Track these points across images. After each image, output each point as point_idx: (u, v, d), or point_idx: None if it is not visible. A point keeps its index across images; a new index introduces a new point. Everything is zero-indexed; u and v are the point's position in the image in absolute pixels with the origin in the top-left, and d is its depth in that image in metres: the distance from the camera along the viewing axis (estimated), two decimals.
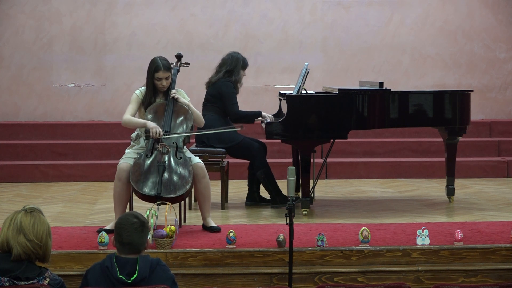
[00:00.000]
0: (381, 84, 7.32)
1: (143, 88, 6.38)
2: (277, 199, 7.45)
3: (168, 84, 6.32)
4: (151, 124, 6.16)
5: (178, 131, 6.27)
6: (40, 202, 7.91)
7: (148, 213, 5.66)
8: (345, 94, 7.11)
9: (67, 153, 9.84)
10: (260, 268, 5.63)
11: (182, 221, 6.59)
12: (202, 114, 7.35)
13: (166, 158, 6.12)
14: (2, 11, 10.60)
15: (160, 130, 6.14)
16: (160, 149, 6.14)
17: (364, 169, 9.66)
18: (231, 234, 5.71)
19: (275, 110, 8.11)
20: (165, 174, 6.06)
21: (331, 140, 7.38)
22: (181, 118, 6.32)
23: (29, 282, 4.04)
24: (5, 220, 4.15)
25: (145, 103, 6.33)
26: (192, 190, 6.53)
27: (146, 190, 6.02)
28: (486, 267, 5.73)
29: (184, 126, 6.31)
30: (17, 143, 9.96)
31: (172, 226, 5.68)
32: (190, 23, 10.79)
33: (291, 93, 7.32)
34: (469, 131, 7.84)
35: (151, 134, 6.13)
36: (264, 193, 7.63)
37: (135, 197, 6.37)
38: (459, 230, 5.89)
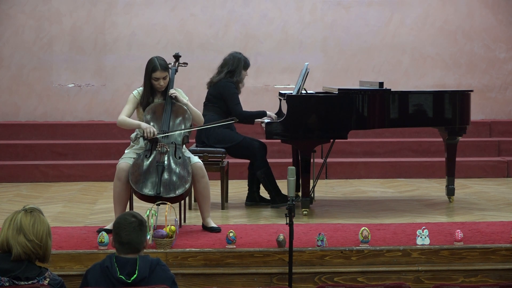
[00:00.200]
0: (381, 84, 7.32)
1: (140, 88, 6.39)
2: (277, 199, 7.45)
3: (165, 84, 6.32)
4: (145, 125, 6.17)
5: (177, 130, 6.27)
6: (40, 202, 7.91)
7: (148, 213, 5.66)
8: (345, 94, 7.11)
9: (67, 153, 9.84)
10: (260, 268, 5.63)
11: (182, 221, 6.59)
12: (203, 114, 7.36)
13: (165, 158, 6.12)
14: (2, 11, 10.60)
15: (154, 130, 6.15)
16: (159, 149, 6.14)
17: (364, 169, 9.66)
18: (231, 234, 5.71)
19: (275, 110, 8.11)
20: (164, 174, 6.06)
21: (331, 140, 7.38)
22: (179, 118, 6.32)
23: (29, 282, 4.04)
24: (5, 220, 4.16)
25: (143, 104, 6.34)
26: (192, 190, 6.52)
27: (146, 190, 6.03)
28: (486, 267, 5.73)
29: (183, 126, 6.31)
30: (17, 143, 9.96)
31: (172, 226, 5.68)
32: (190, 23, 10.79)
33: (291, 93, 7.32)
34: (469, 131, 7.84)
35: (145, 134, 6.14)
36: (264, 193, 7.63)
37: (135, 197, 6.37)
38: (459, 230, 5.89)
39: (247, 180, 7.68)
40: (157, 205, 5.90)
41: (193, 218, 6.84)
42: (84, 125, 10.39)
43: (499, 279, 5.66)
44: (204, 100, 7.55)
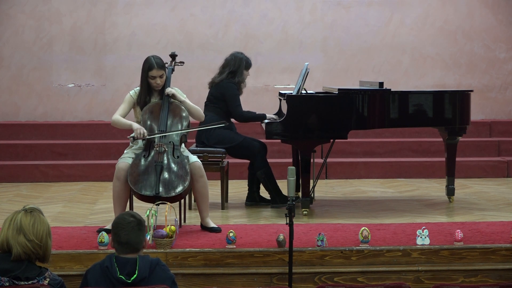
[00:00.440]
0: (381, 84, 7.32)
1: (137, 88, 6.40)
2: (277, 199, 7.45)
3: (162, 82, 6.33)
4: (136, 126, 6.18)
5: (174, 130, 6.27)
6: (40, 202, 7.91)
7: (148, 213, 5.66)
8: (345, 94, 7.11)
9: (67, 153, 9.84)
10: (260, 268, 5.63)
11: (182, 221, 6.59)
12: (204, 114, 7.36)
13: (163, 158, 6.12)
14: (2, 11, 10.60)
15: (145, 131, 6.16)
16: (157, 149, 6.14)
17: (364, 169, 9.66)
18: (231, 234, 5.71)
19: (275, 110, 8.11)
20: (163, 174, 6.06)
21: (331, 140, 7.38)
22: (177, 117, 6.32)
23: (29, 282, 4.04)
24: (5, 220, 4.16)
25: (140, 103, 6.35)
26: (191, 189, 6.53)
27: (144, 190, 6.03)
28: (486, 267, 5.73)
29: (179, 125, 6.31)
30: (17, 143, 9.96)
31: (172, 226, 5.68)
32: (190, 23, 10.79)
33: (291, 93, 7.32)
34: (469, 131, 7.84)
35: (135, 135, 6.16)
36: (264, 193, 7.63)
37: (134, 197, 6.36)
38: (459, 230, 5.89)
39: (247, 180, 7.68)
40: (156, 205, 5.89)
41: (193, 218, 6.84)
42: (84, 125, 10.39)
43: (499, 279, 5.66)
44: (204, 100, 7.55)
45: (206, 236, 6.08)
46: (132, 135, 6.39)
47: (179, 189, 6.05)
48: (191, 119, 6.40)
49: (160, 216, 6.33)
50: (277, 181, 7.49)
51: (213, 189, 7.84)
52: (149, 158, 6.14)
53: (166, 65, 6.46)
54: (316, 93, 7.52)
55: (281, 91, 8.09)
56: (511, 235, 5.93)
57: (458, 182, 8.22)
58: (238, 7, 10.82)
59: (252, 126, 8.90)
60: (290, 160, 8.40)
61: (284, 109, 7.36)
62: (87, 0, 10.68)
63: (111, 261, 4.20)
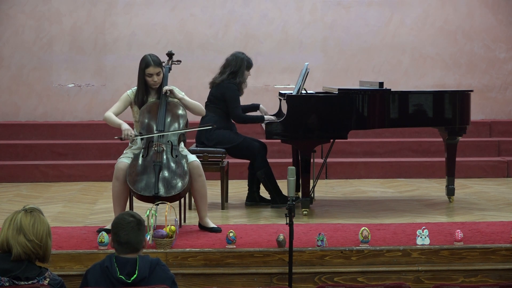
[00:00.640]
0: (381, 84, 7.32)
1: (135, 88, 6.41)
2: (277, 199, 7.45)
3: (159, 80, 6.33)
4: (124, 126, 6.21)
5: (172, 129, 6.27)
6: (40, 202, 7.91)
7: (148, 213, 5.66)
8: (345, 94, 7.11)
9: (67, 153, 9.84)
10: (260, 268, 5.63)
11: (182, 221, 6.60)
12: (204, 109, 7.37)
13: (162, 157, 6.12)
14: (2, 11, 10.60)
15: (132, 132, 6.18)
16: (155, 148, 6.14)
17: (364, 169, 9.66)
18: (231, 234, 5.71)
19: (275, 110, 8.11)
20: (161, 173, 6.06)
21: (331, 140, 7.38)
22: (175, 116, 6.32)
23: (29, 282, 4.04)
24: (5, 220, 4.16)
25: (138, 102, 6.35)
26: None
27: (143, 190, 6.03)
28: (486, 267, 5.73)
29: (176, 124, 6.31)
30: (17, 143, 9.96)
31: (172, 226, 5.68)
32: (190, 23, 10.79)
33: (291, 93, 7.32)
34: (469, 131, 7.84)
35: (122, 136, 6.19)
36: (264, 193, 7.63)
37: (134, 197, 6.37)
38: (459, 230, 5.89)
39: (247, 180, 7.68)
40: (156, 205, 5.89)
41: (193, 218, 6.84)
42: (84, 125, 10.39)
43: (499, 279, 5.66)
44: (205, 100, 7.55)
45: (206, 236, 6.08)
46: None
47: (178, 188, 6.05)
48: (192, 117, 6.40)
49: (160, 216, 6.33)
50: (277, 181, 7.49)
51: (213, 189, 7.85)
52: (148, 158, 6.14)
53: (163, 64, 6.47)
54: (316, 93, 7.52)
55: (281, 91, 8.09)
56: (511, 235, 5.93)
57: (458, 182, 8.22)
58: (238, 7, 10.82)
59: (252, 126, 8.90)
60: (290, 160, 8.40)
61: (284, 109, 7.36)
62: (87, 0, 10.68)
63: (111, 261, 4.20)
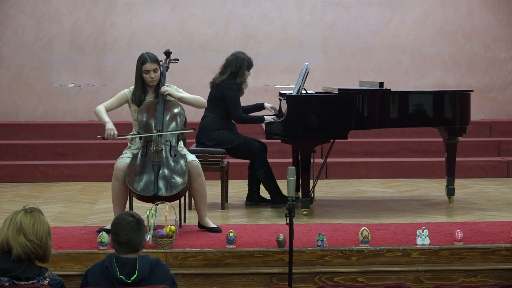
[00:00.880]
0: (381, 84, 7.32)
1: (133, 87, 6.41)
2: (277, 199, 7.45)
3: (156, 77, 6.34)
4: (108, 126, 6.23)
5: (171, 128, 6.27)
6: (40, 202, 7.91)
7: (148, 213, 5.66)
8: (345, 94, 7.11)
9: (67, 153, 9.84)
10: (260, 268, 5.63)
11: (182, 221, 6.60)
12: (204, 115, 7.37)
13: (160, 157, 6.12)
14: (2, 11, 10.60)
15: (115, 132, 6.21)
16: (154, 148, 6.14)
17: (364, 169, 9.66)
18: (231, 234, 5.71)
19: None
20: (160, 173, 6.06)
21: (331, 140, 7.38)
22: (173, 115, 6.32)
23: (29, 282, 4.04)
24: (5, 220, 4.15)
25: (136, 101, 6.36)
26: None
27: (143, 190, 6.03)
28: (486, 267, 5.73)
29: (174, 123, 6.30)
30: (17, 143, 9.96)
31: (172, 226, 5.68)
32: (190, 23, 10.79)
33: (291, 93, 7.32)
34: (469, 131, 7.84)
35: (105, 135, 6.21)
36: (264, 193, 7.63)
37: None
38: (459, 230, 5.89)
39: (247, 180, 7.68)
40: (155, 205, 5.89)
41: (193, 218, 6.84)
42: (84, 125, 10.39)
43: (499, 279, 5.66)
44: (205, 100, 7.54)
45: (206, 236, 6.08)
46: (129, 134, 6.42)
47: (177, 188, 6.05)
48: (192, 117, 6.41)
49: (160, 216, 6.33)
50: (277, 181, 7.49)
51: (213, 189, 7.85)
52: (146, 158, 6.14)
53: (161, 63, 6.48)
54: (316, 93, 7.52)
55: (281, 91, 8.09)
56: (511, 235, 5.93)
57: (458, 182, 8.22)
58: (238, 7, 10.82)
59: (252, 126, 8.90)
60: (290, 160, 8.40)
61: (284, 109, 7.36)
62: (87, 0, 10.68)
63: (111, 261, 4.20)
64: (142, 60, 6.32)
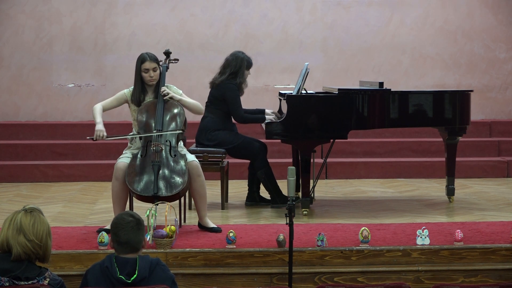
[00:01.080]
0: (381, 84, 7.32)
1: (133, 87, 6.42)
2: (277, 199, 7.44)
3: (156, 76, 6.34)
4: (97, 127, 6.28)
5: (171, 128, 6.27)
6: (40, 202, 7.91)
7: (148, 213, 5.66)
8: (345, 94, 7.11)
9: (67, 153, 9.84)
10: (260, 268, 5.63)
11: (182, 221, 6.60)
12: (204, 115, 7.36)
13: (160, 157, 6.12)
14: (2, 11, 10.60)
15: (104, 134, 6.24)
16: (154, 148, 6.14)
17: (364, 169, 9.66)
18: (231, 234, 5.71)
19: (275, 110, 8.10)
20: (160, 173, 6.06)
21: (331, 140, 7.38)
22: (172, 115, 6.32)
23: (29, 282, 4.04)
24: (5, 220, 4.16)
25: (135, 101, 6.36)
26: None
27: (143, 191, 6.02)
28: (486, 267, 5.73)
29: (174, 123, 6.30)
30: (17, 143, 9.96)
31: (172, 226, 5.68)
32: (190, 23, 10.79)
33: (291, 93, 7.32)
34: (469, 131, 7.84)
35: (94, 136, 6.27)
36: (264, 193, 7.63)
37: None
38: (459, 230, 5.89)
39: (247, 180, 7.68)
40: (155, 205, 5.89)
41: (193, 218, 6.84)
42: (84, 125, 10.38)
43: (499, 279, 5.66)
44: (205, 101, 7.55)
45: (206, 236, 6.08)
46: (129, 134, 6.42)
47: (177, 188, 6.05)
48: (192, 117, 6.41)
49: (160, 216, 6.33)
50: (277, 181, 7.49)
51: (213, 189, 7.85)
52: (146, 158, 6.14)
53: (161, 62, 6.48)
54: (316, 93, 7.52)
55: (281, 91, 8.09)
56: (511, 235, 5.93)
57: (458, 182, 8.22)
58: (238, 7, 10.82)
59: (252, 126, 8.90)
60: (290, 160, 8.40)
61: (284, 109, 7.36)
62: (87, 0, 10.68)
63: (111, 261, 4.20)
64: (141, 59, 6.33)
